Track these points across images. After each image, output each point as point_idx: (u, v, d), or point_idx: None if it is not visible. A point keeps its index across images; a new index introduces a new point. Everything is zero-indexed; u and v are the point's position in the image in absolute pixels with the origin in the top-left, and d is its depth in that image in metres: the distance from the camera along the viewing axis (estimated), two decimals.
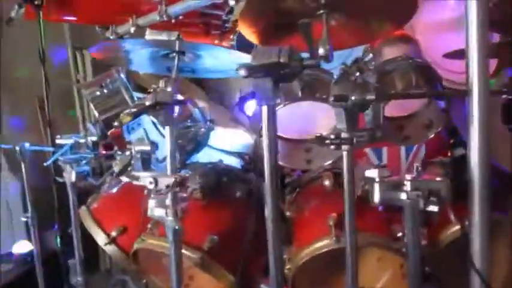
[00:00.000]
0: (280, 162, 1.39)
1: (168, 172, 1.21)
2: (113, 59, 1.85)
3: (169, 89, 1.40)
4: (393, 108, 1.35)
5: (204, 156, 1.74)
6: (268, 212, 0.90)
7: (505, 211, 1.32)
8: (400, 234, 1.25)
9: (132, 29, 2.29)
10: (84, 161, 2.03)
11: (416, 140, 1.35)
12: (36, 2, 2.05)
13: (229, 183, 1.51)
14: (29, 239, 2.86)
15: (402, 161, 1.94)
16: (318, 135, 0.91)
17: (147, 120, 1.70)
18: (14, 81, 3.64)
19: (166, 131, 1.20)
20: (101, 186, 2.11)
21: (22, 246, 2.65)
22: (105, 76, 1.83)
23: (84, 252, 2.23)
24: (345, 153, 0.95)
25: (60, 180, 2.03)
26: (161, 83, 1.50)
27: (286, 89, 1.27)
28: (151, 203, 1.24)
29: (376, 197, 1.07)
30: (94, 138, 2.06)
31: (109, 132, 1.80)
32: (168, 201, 1.20)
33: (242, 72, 0.75)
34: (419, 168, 1.11)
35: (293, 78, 0.85)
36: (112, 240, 1.73)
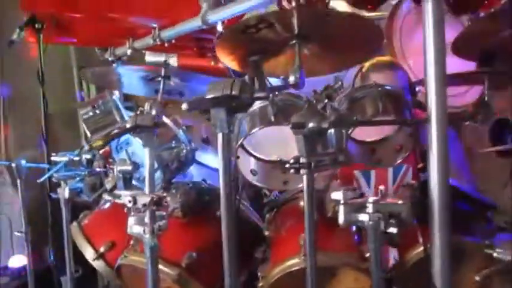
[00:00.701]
0: (258, 183, 1.45)
1: (146, 191, 1.28)
2: (107, 83, 1.94)
3: (153, 112, 1.49)
4: (366, 132, 1.42)
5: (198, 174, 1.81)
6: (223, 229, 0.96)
7: (476, 236, 1.36)
8: (368, 254, 1.29)
9: (129, 51, 2.39)
10: (78, 178, 2.11)
11: (387, 163, 1.41)
12: (36, 26, 2.16)
13: (210, 202, 1.57)
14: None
15: (389, 184, 1.99)
16: (279, 159, 0.97)
17: (135, 140, 1.77)
18: (19, 98, 3.76)
19: (146, 152, 1.27)
20: (94, 202, 2.19)
21: (17, 260, 2.72)
22: (99, 97, 1.92)
23: (82, 268, 2.30)
24: (304, 177, 1.01)
25: (54, 196, 2.11)
26: (146, 106, 1.58)
27: (261, 113, 1.33)
28: (131, 220, 1.31)
29: (341, 218, 1.12)
30: (88, 156, 2.14)
31: (100, 152, 1.88)
32: (146, 219, 1.27)
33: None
34: (384, 191, 1.16)
35: (245, 109, 0.92)
36: (100, 256, 1.79)
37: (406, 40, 2.20)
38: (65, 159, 2.09)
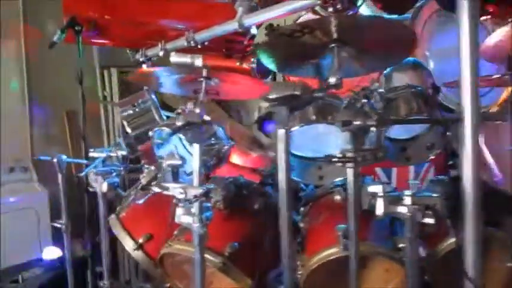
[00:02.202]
0: (296, 178, 1.54)
1: (195, 184, 1.37)
2: (145, 82, 2.04)
3: (197, 110, 1.58)
4: (397, 131, 1.50)
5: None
6: (281, 222, 1.05)
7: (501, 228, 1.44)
8: (401, 245, 1.38)
9: (161, 53, 2.49)
10: (114, 173, 2.22)
11: (417, 160, 1.49)
12: (76, 28, 2.27)
13: (248, 196, 1.66)
14: (55, 246, 3.06)
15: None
16: (327, 154, 1.06)
17: (174, 137, 1.87)
18: (44, 95, 3.89)
19: (195, 148, 1.37)
20: (127, 197, 2.30)
21: (51, 252, 2.83)
22: (137, 96, 2.03)
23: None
24: (350, 171, 1.10)
25: (92, 190, 2.22)
26: (189, 105, 1.68)
27: (302, 113, 1.42)
28: (179, 211, 1.41)
29: (379, 210, 1.21)
30: (123, 152, 2.26)
31: (139, 148, 1.99)
32: (194, 210, 1.36)
33: (265, 103, 0.91)
34: (420, 185, 1.25)
35: (304, 107, 1.01)
36: (139, 247, 1.89)
37: (427, 43, 2.29)
38: (103, 155, 2.21)
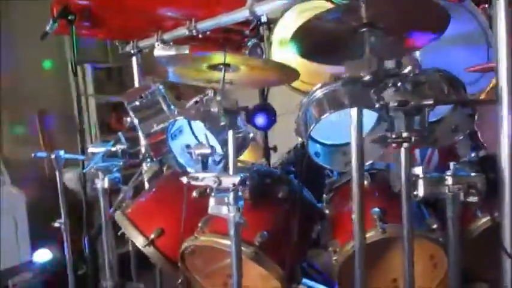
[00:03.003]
0: (323, 164, 1.53)
1: (231, 172, 1.33)
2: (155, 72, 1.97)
3: (218, 98, 1.54)
4: None
5: None
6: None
7: None
8: (435, 226, 1.40)
9: (157, 44, 2.42)
10: (115, 169, 2.14)
11: (444, 142, 1.51)
12: (69, 18, 2.16)
13: (272, 185, 1.64)
14: (33, 250, 2.91)
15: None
16: (381, 135, 1.06)
17: (186, 128, 1.82)
18: (15, 93, 3.71)
19: (229, 135, 1.33)
20: (124, 192, 2.22)
21: (43, 255, 2.70)
22: (144, 88, 1.95)
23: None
24: (403, 150, 1.10)
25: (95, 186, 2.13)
26: (210, 93, 1.63)
27: (331, 98, 1.41)
28: (212, 201, 1.36)
29: (421, 191, 1.22)
30: (123, 147, 2.17)
31: (150, 141, 1.91)
32: (230, 199, 1.33)
33: (339, 82, 0.89)
34: (456, 166, 1.27)
35: (376, 86, 1.00)
36: (151, 242, 1.83)
37: None
38: (103, 149, 2.12)
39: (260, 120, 1.53)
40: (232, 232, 1.33)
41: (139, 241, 1.84)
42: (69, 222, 2.15)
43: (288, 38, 2.33)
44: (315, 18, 1.32)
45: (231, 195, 1.32)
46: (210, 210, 1.36)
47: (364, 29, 1.36)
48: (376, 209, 1.39)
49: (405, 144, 1.07)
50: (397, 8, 1.32)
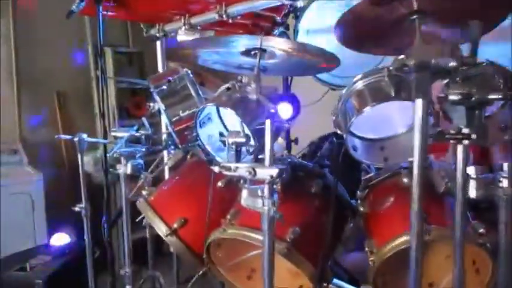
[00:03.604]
0: (360, 158, 1.45)
1: (267, 164, 1.26)
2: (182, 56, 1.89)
3: (253, 85, 1.46)
4: None
5: None
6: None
7: None
8: (481, 230, 1.31)
9: (183, 28, 2.34)
10: (138, 154, 2.08)
11: (494, 140, 1.41)
12: None
13: (305, 178, 1.56)
14: (50, 234, 2.88)
15: None
16: (438, 131, 0.97)
17: (214, 116, 1.75)
18: (33, 76, 3.68)
19: (266, 124, 1.25)
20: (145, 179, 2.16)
21: (60, 239, 2.66)
22: (172, 72, 1.88)
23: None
24: (460, 148, 1.01)
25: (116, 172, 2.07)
26: (244, 79, 1.55)
27: (373, 90, 1.33)
28: (245, 193, 1.29)
29: (472, 193, 1.13)
30: (147, 132, 2.11)
31: (175, 128, 1.84)
32: (265, 192, 1.25)
33: (402, 69, 0.81)
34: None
35: (449, 75, 0.91)
36: (173, 232, 1.78)
37: None
38: (126, 134, 2.06)
39: (285, 110, 1.46)
40: (265, 227, 1.26)
41: (161, 230, 1.80)
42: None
43: (315, 27, 2.27)
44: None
45: (266, 188, 1.24)
46: (242, 202, 1.29)
47: (415, 16, 1.28)
48: None
49: (465, 142, 0.98)
50: None
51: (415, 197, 0.91)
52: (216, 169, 1.33)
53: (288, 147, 2.54)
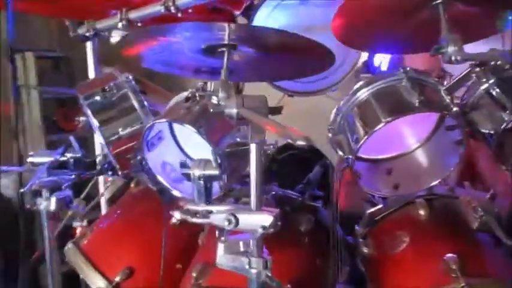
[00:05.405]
0: (365, 188, 1.11)
1: (253, 207, 0.87)
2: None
3: (222, 94, 1.08)
4: None
5: None
6: None
7: None
8: None
9: (121, 24, 1.90)
10: (65, 184, 1.63)
11: None
12: None
13: (292, 214, 1.20)
14: None
15: None
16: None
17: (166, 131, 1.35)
18: None
19: (252, 149, 0.87)
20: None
21: None
22: (108, 78, 1.45)
23: None
24: None
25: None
26: (211, 86, 1.17)
27: (391, 99, 1.01)
28: (222, 249, 0.90)
29: None
30: (76, 155, 1.67)
31: (113, 150, 1.42)
32: (253, 247, 0.87)
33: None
34: None
35: None
36: (116, 287, 1.36)
37: None
38: (48, 159, 1.61)
39: None
40: None
41: (98, 284, 1.37)
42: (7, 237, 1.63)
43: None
44: None
45: (255, 242, 0.86)
46: (218, 261, 0.90)
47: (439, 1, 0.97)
48: (452, 255, 0.97)
49: None
50: None
51: None
52: (176, 215, 0.94)
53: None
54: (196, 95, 1.17)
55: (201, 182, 0.92)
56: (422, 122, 1.15)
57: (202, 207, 0.91)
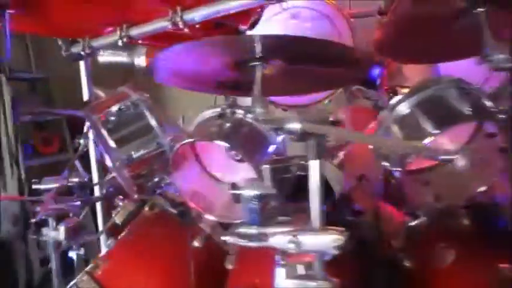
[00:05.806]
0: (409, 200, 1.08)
1: (315, 225, 0.83)
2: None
3: (257, 110, 1.04)
4: None
5: None
6: None
7: None
8: None
9: (120, 42, 1.83)
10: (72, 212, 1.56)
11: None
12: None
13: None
14: None
15: None
16: None
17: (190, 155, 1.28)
18: None
19: (312, 165, 0.82)
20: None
21: None
22: (122, 96, 1.38)
23: None
24: None
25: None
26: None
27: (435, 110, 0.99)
28: (282, 273, 0.85)
29: None
30: (82, 179, 1.59)
31: (131, 171, 1.34)
32: (317, 270, 0.82)
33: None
34: None
35: None
36: None
37: None
38: (54, 186, 1.53)
39: None
40: None
41: None
42: None
43: None
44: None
45: (317, 264, 0.82)
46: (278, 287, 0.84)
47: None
48: (508, 265, 0.95)
49: None
50: None
51: None
52: (229, 239, 0.88)
53: None
54: (228, 111, 1.12)
55: (255, 203, 0.87)
56: (457, 130, 1.14)
57: (256, 230, 0.86)
